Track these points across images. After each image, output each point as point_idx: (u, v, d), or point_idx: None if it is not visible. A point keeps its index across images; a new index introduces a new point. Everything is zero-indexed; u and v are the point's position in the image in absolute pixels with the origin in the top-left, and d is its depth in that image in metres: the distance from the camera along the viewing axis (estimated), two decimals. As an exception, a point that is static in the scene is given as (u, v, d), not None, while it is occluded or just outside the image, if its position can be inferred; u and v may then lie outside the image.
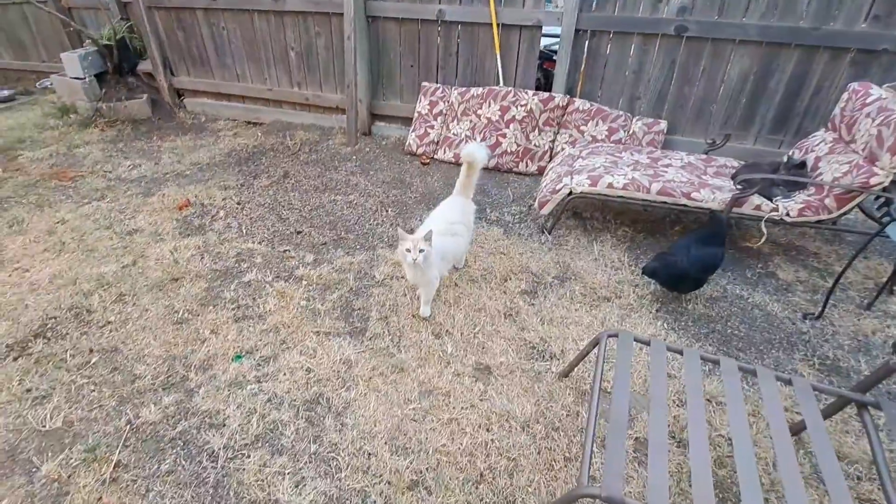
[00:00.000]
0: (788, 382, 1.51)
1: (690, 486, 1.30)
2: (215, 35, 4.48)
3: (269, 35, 4.29)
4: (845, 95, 2.59)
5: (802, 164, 2.49)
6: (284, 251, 2.67)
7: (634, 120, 3.53)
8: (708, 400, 1.83)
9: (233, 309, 2.24)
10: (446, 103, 3.86)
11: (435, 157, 3.88)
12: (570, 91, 3.67)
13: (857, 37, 2.95)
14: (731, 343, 2.14)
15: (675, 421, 1.75)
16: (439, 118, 3.88)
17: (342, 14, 3.74)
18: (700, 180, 2.62)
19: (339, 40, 4.02)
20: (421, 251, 1.89)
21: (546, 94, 3.57)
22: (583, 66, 3.58)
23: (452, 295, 2.35)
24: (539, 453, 1.64)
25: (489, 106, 3.65)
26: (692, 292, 2.35)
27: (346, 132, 4.09)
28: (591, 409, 1.44)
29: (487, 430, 1.70)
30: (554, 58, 4.02)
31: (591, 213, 3.08)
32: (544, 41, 3.83)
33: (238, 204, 3.16)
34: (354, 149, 4.01)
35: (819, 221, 2.41)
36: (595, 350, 1.75)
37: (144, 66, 4.84)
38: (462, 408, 1.78)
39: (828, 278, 2.56)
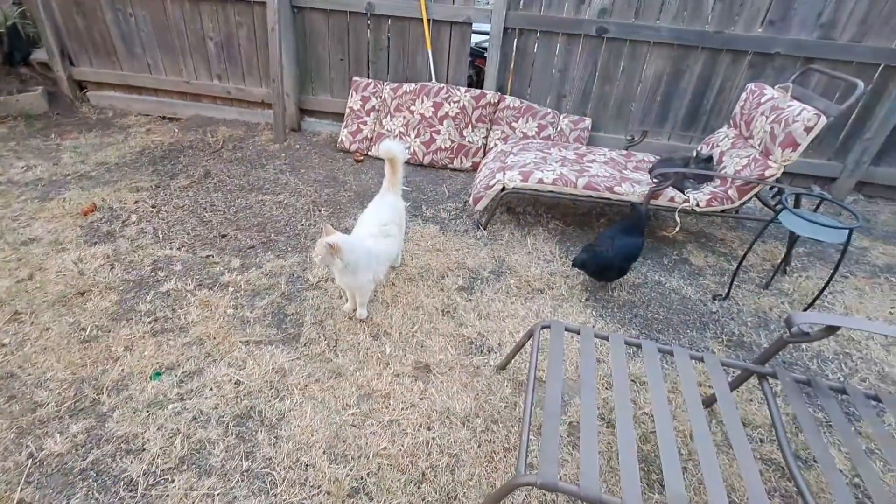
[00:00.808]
0: (701, 360, 1.64)
1: (619, 463, 1.38)
2: (121, 21, 4.09)
3: (185, 23, 3.98)
4: (744, 95, 2.85)
5: (710, 159, 2.71)
6: (207, 257, 2.51)
7: (562, 117, 3.67)
8: (633, 381, 1.96)
9: (150, 322, 2.07)
10: (379, 99, 3.80)
11: (369, 153, 3.81)
12: (501, 88, 3.74)
13: (754, 41, 3.26)
14: (653, 326, 2.29)
15: (604, 403, 1.85)
16: (372, 114, 3.81)
17: (265, 3, 3.55)
18: (621, 175, 2.78)
19: (262, 31, 3.82)
20: (329, 247, 1.81)
21: (478, 91, 3.61)
22: (512, 64, 3.67)
23: (390, 294, 2.33)
24: (479, 447, 1.66)
25: (422, 102, 3.64)
26: (617, 280, 2.49)
27: (274, 128, 3.91)
28: (526, 398, 1.48)
29: (428, 428, 1.71)
30: (485, 55, 4.08)
31: (524, 208, 3.17)
32: (475, 38, 3.87)
33: (153, 207, 2.92)
34: (283, 146, 3.84)
35: (724, 211, 2.64)
36: (530, 341, 1.81)
37: (39, 55, 4.33)
38: (402, 408, 1.77)
39: (732, 262, 2.82)
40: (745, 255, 2.38)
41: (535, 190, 2.69)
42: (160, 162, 3.50)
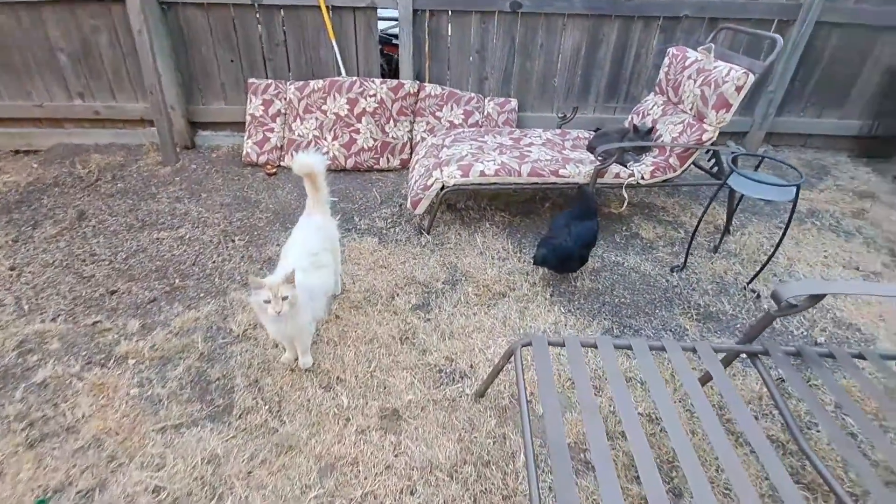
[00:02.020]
0: (693, 350, 1.50)
1: (638, 476, 1.20)
2: (-70, 37, 3.23)
3: (23, 35, 3.23)
4: (666, 60, 2.80)
5: (649, 130, 2.63)
6: (94, 324, 2.00)
7: (487, 101, 3.46)
8: (629, 381, 1.80)
9: (23, 429, 1.57)
10: (284, 101, 3.35)
11: (282, 164, 3.36)
12: (418, 76, 3.45)
13: (663, 6, 3.24)
14: (622, 312, 2.17)
15: (609, 416, 1.68)
16: (278, 119, 3.36)
17: (125, 2, 2.94)
18: (563, 156, 2.63)
19: (127, 35, 3.19)
20: (285, 298, 1.49)
21: (395, 82, 3.29)
22: (427, 48, 3.38)
23: (335, 330, 1.99)
24: (475, 501, 1.42)
25: (335, 100, 3.25)
26: (579, 269, 2.35)
27: (161, 148, 3.31)
28: (524, 432, 1.26)
29: (412, 492, 1.43)
30: (395, 41, 3.75)
31: (465, 203, 2.94)
32: (382, 24, 3.52)
33: (12, 270, 2.31)
34: (175, 168, 3.27)
35: (666, 180, 2.58)
36: (511, 361, 1.58)
37: None
38: (376, 474, 1.47)
39: (679, 229, 2.79)
40: (699, 223, 2.33)
41: (477, 184, 2.46)
42: (16, 209, 2.81)
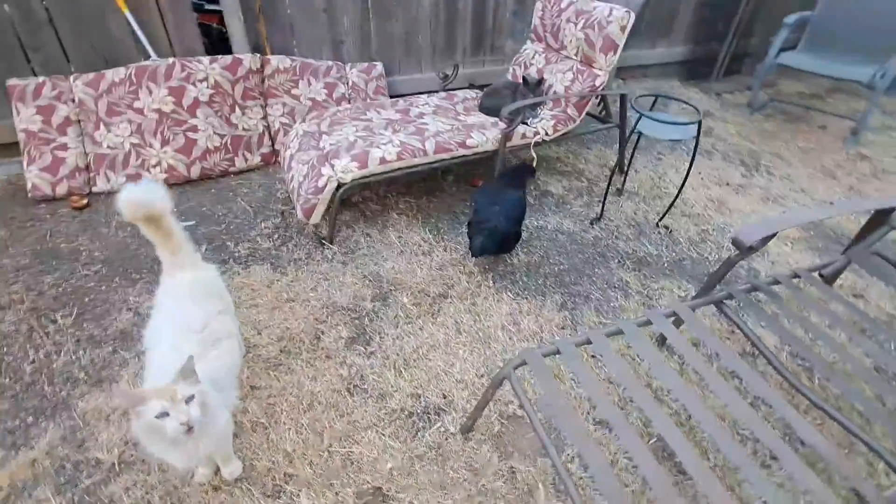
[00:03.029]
0: (648, 322, 1.41)
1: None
2: None
3: None
4: (539, 5, 2.63)
5: (540, 82, 2.47)
6: None
7: (349, 69, 2.96)
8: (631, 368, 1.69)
9: None
10: (72, 103, 2.41)
11: (93, 190, 2.47)
12: (257, 48, 2.78)
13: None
14: (565, 279, 2.06)
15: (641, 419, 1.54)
16: (71, 129, 2.42)
17: None
18: (461, 123, 2.34)
19: None
20: (190, 400, 0.99)
21: (229, 59, 2.59)
22: (258, 11, 2.71)
23: (257, 409, 1.50)
24: (513, 568, 1.18)
25: (150, 93, 2.44)
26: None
27: None
28: (554, 461, 1.06)
29: None
30: (208, 7, 2.96)
31: (360, 195, 2.50)
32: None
33: None
34: (-86, 229, 2.18)
35: (567, 132, 2.49)
36: (504, 386, 1.33)
37: None
38: (388, 591, 1.13)
39: (580, 178, 2.78)
40: (612, 174, 2.31)
41: (378, 173, 2.06)
42: None
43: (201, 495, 1.28)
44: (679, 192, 2.32)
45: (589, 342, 1.33)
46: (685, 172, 2.26)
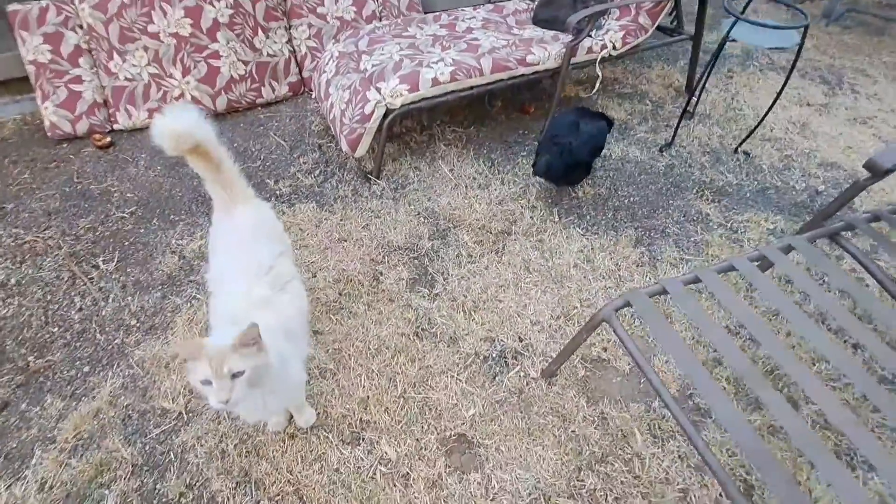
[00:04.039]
0: (762, 258, 1.24)
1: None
2: None
3: None
4: None
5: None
6: None
7: (378, -19, 2.62)
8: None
9: None
10: (80, 31, 2.17)
11: (115, 126, 2.29)
12: (276, -42, 2.45)
13: None
14: (638, 213, 1.88)
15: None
16: (83, 58, 2.21)
17: None
18: (516, 37, 2.06)
19: None
20: (237, 375, 0.86)
21: (248, -29, 2.28)
22: (276, -89, 2.35)
23: (323, 354, 1.40)
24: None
25: (164, 15, 2.19)
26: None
27: None
28: (667, 403, 0.96)
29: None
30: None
31: (401, 127, 2.28)
32: None
33: None
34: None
35: (636, 46, 2.18)
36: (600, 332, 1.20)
37: None
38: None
39: (644, 100, 2.49)
40: (692, 92, 2.02)
41: (430, 97, 1.83)
42: None
43: (277, 444, 1.21)
44: (767, 111, 2.04)
45: (697, 280, 1.17)
46: (776, 92, 1.97)
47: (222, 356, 0.84)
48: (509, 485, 1.15)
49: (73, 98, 2.20)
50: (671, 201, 1.92)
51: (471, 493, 1.13)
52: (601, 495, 1.13)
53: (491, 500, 1.12)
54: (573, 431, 1.24)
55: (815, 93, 2.60)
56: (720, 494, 1.14)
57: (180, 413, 1.27)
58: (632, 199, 1.93)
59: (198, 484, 1.15)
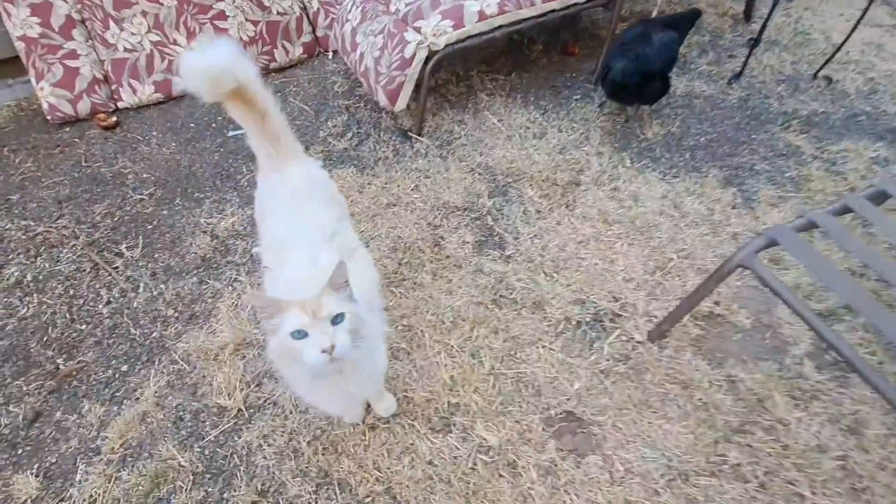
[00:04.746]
0: None
1: None
2: None
3: None
4: None
5: None
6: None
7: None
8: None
9: None
10: (70, -4, 1.95)
11: (119, 105, 2.08)
12: None
13: None
14: (718, 151, 1.67)
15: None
16: (77, 30, 1.98)
17: None
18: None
19: None
20: (338, 321, 0.69)
21: (249, -86, 2.02)
22: None
23: (392, 332, 1.22)
24: (769, 491, 0.92)
25: (161, -30, 1.94)
26: (654, 105, 1.73)
27: None
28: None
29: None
30: None
31: (436, 81, 2.04)
32: None
33: None
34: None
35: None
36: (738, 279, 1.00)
37: None
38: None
39: (700, 32, 2.23)
40: (766, 22, 1.78)
41: (476, 34, 1.59)
42: None
43: (357, 438, 1.04)
44: (851, 33, 1.81)
45: (848, 210, 0.97)
46: (839, 14, 1.77)
47: (317, 299, 0.69)
48: (637, 466, 0.97)
49: (70, 75, 1.98)
50: (754, 136, 1.70)
51: (593, 478, 0.96)
52: (748, 470, 0.95)
53: (619, 485, 0.95)
54: (699, 400, 1.06)
55: (881, 14, 2.33)
56: (883, 459, 0.96)
57: (239, 410, 1.09)
58: (708, 136, 1.71)
59: (272, 490, 0.99)
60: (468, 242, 1.40)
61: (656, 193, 1.50)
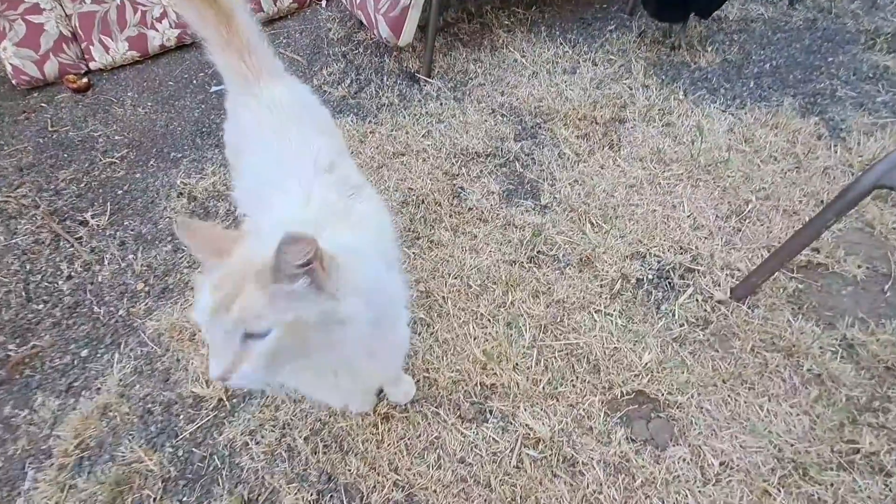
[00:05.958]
0: None
1: None
2: None
3: None
4: None
5: None
6: None
7: None
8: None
9: None
10: (25, -62, 1.71)
11: (92, 66, 1.85)
12: None
13: None
14: (787, 77, 1.40)
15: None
16: (37, -20, 1.75)
17: None
18: None
19: None
20: (254, 337, 0.45)
21: None
22: None
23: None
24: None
25: None
26: (683, 39, 1.46)
27: None
28: None
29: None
30: None
31: (444, 20, 1.78)
32: None
33: None
34: None
35: None
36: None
37: None
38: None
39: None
40: None
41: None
42: None
43: (368, 431, 0.81)
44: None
45: None
46: None
47: (235, 285, 0.44)
48: (736, 459, 0.73)
49: (34, 33, 1.76)
50: (830, 59, 1.42)
51: (679, 476, 0.72)
52: (889, 460, 0.71)
53: (715, 484, 0.71)
54: (810, 371, 0.81)
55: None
56: None
57: (220, 400, 0.88)
58: (774, 62, 1.43)
59: (261, 498, 0.77)
60: (494, 192, 1.16)
61: (721, 127, 1.23)
